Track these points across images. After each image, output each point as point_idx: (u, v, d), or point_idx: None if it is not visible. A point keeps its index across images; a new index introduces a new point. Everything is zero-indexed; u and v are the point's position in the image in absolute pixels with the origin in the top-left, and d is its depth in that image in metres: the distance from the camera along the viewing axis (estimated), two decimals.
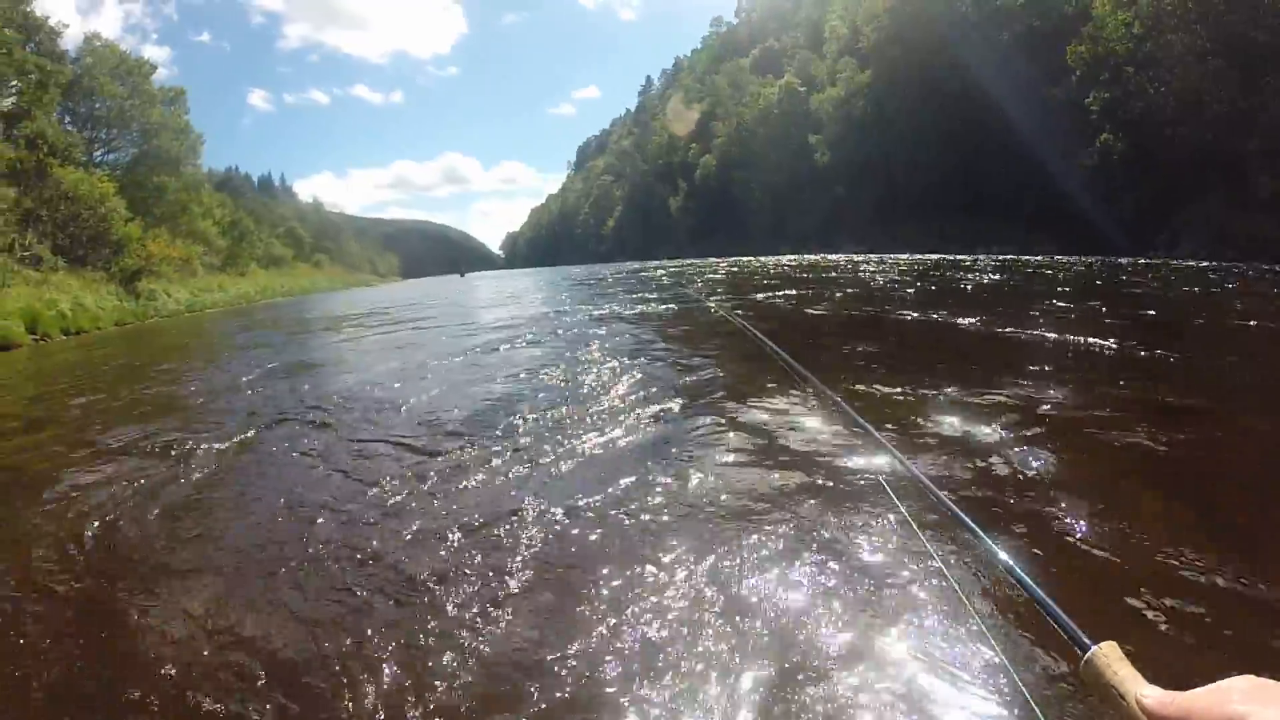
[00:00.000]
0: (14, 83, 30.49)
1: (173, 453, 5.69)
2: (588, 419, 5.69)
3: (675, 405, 5.81)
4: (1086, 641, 1.11)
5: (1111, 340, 7.78)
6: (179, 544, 3.77)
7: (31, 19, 33.57)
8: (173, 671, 2.69)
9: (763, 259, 51.19)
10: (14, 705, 2.55)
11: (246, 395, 8.52)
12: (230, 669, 2.69)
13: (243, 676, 2.63)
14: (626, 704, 2.21)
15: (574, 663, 2.44)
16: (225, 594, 3.18)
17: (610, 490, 3.95)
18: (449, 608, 2.89)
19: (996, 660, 2.12)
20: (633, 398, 6.29)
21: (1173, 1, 28.33)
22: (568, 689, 2.31)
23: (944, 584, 2.56)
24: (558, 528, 3.54)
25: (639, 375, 7.25)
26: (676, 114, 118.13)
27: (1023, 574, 1.36)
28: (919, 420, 4.85)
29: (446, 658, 2.55)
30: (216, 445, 5.83)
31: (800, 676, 2.22)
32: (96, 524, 4.13)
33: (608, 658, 2.44)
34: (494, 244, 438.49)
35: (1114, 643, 1.08)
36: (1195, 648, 2.20)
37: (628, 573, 2.99)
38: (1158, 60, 29.91)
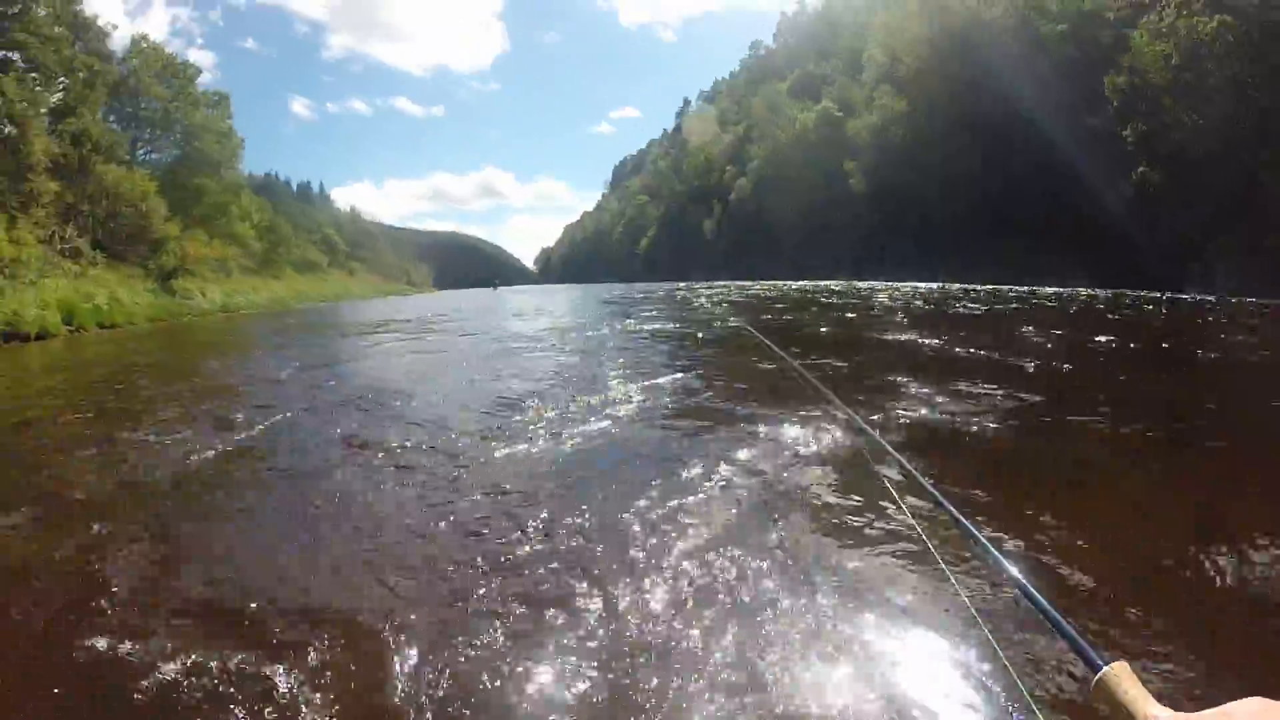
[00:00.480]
0: (62, 79, 31.14)
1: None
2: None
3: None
4: (1098, 661, 1.12)
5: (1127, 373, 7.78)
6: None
7: (81, 18, 34.34)
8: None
9: (792, 283, 51.16)
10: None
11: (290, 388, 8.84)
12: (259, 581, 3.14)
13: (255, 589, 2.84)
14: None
15: None
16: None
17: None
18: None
19: (1008, 678, 2.12)
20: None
21: (1209, 33, 28.06)
22: None
23: (956, 601, 2.56)
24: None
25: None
26: (695, 127, 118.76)
27: (1035, 592, 1.37)
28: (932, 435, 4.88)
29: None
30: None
31: (806, 690, 2.22)
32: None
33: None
34: (527, 259, 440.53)
35: (1125, 662, 1.09)
36: (1206, 669, 2.19)
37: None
38: (1195, 91, 29.61)
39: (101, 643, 2.61)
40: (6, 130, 25.74)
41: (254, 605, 2.89)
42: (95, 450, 5.63)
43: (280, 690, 2.32)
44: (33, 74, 28.15)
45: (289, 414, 6.88)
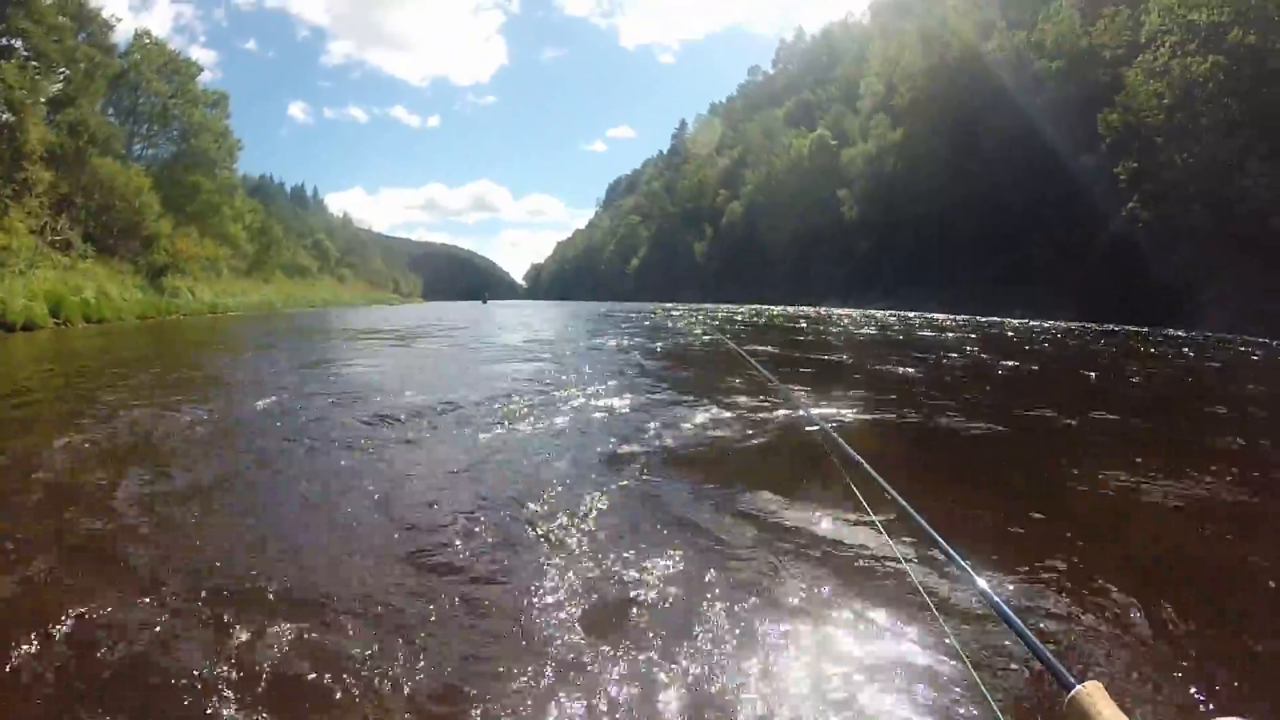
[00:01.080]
0: (63, 69, 31.04)
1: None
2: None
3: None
4: (1071, 680, 1.13)
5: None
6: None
7: (86, 10, 34.26)
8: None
9: (775, 308, 51.28)
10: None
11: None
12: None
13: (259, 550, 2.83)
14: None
15: None
16: None
17: None
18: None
19: (981, 697, 2.09)
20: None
21: (1203, 73, 28.44)
22: None
23: (927, 617, 2.53)
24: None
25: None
26: (700, 136, 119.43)
27: (1008, 610, 1.36)
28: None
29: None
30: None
31: (765, 706, 2.18)
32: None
33: None
34: (518, 274, 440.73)
35: (1098, 683, 1.10)
36: (1180, 688, 2.17)
37: None
38: (1188, 131, 29.98)
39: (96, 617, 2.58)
40: (4, 117, 25.62)
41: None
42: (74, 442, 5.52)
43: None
44: (34, 62, 28.06)
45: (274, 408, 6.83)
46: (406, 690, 2.21)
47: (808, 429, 4.14)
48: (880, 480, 2.40)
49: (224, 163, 50.57)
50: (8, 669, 2.30)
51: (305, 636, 2.54)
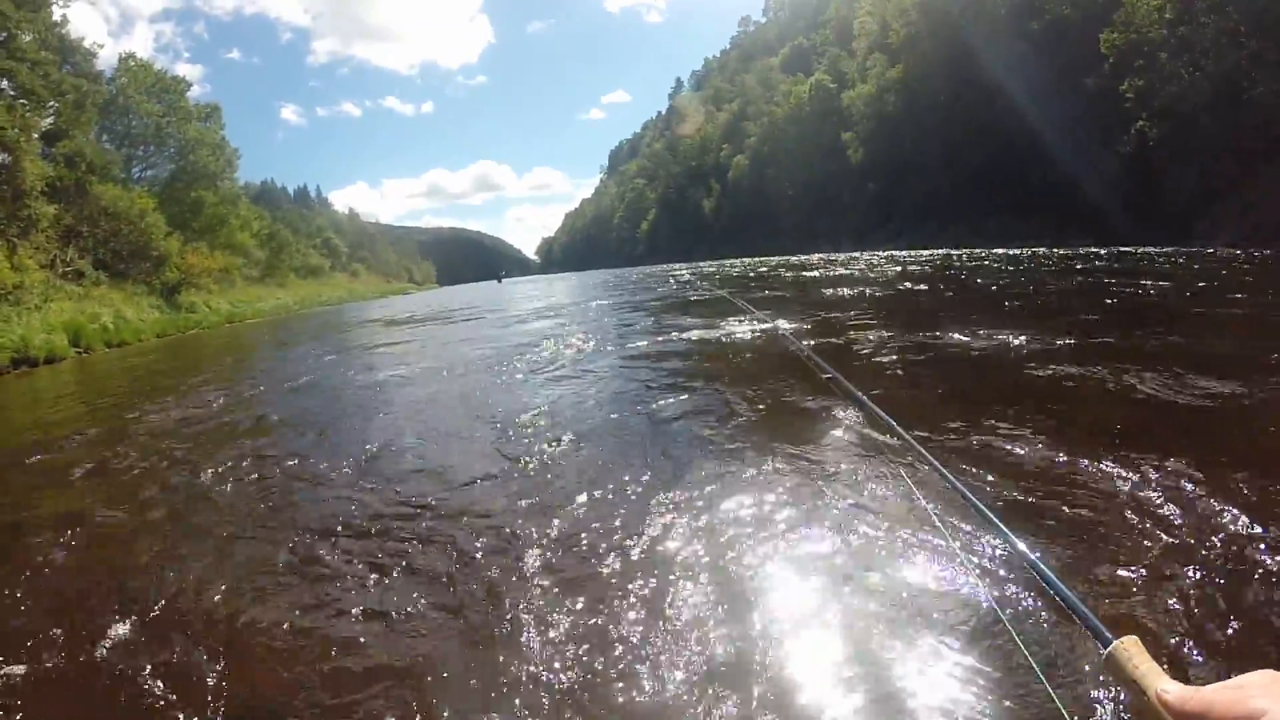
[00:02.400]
0: (51, 103, 31.07)
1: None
2: None
3: None
4: (1108, 636, 1.12)
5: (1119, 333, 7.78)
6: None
7: (67, 41, 34.20)
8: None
9: (798, 258, 51.02)
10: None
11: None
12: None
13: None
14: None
15: None
16: None
17: None
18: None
19: (1018, 653, 2.09)
20: None
21: None
22: None
23: (964, 575, 2.53)
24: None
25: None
26: (686, 114, 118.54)
27: (1045, 568, 1.35)
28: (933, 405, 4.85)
29: None
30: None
31: (815, 667, 2.20)
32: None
33: None
34: (529, 249, 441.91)
35: (1135, 637, 1.10)
36: (1217, 642, 2.15)
37: None
38: (1192, 45, 29.31)
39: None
40: (1, 158, 25.75)
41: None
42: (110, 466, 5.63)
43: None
44: (22, 100, 28.11)
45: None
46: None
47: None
48: (913, 441, 2.39)
49: (224, 174, 50.66)
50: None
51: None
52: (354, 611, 2.84)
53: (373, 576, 3.15)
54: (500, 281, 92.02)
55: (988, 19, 46.94)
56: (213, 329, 31.95)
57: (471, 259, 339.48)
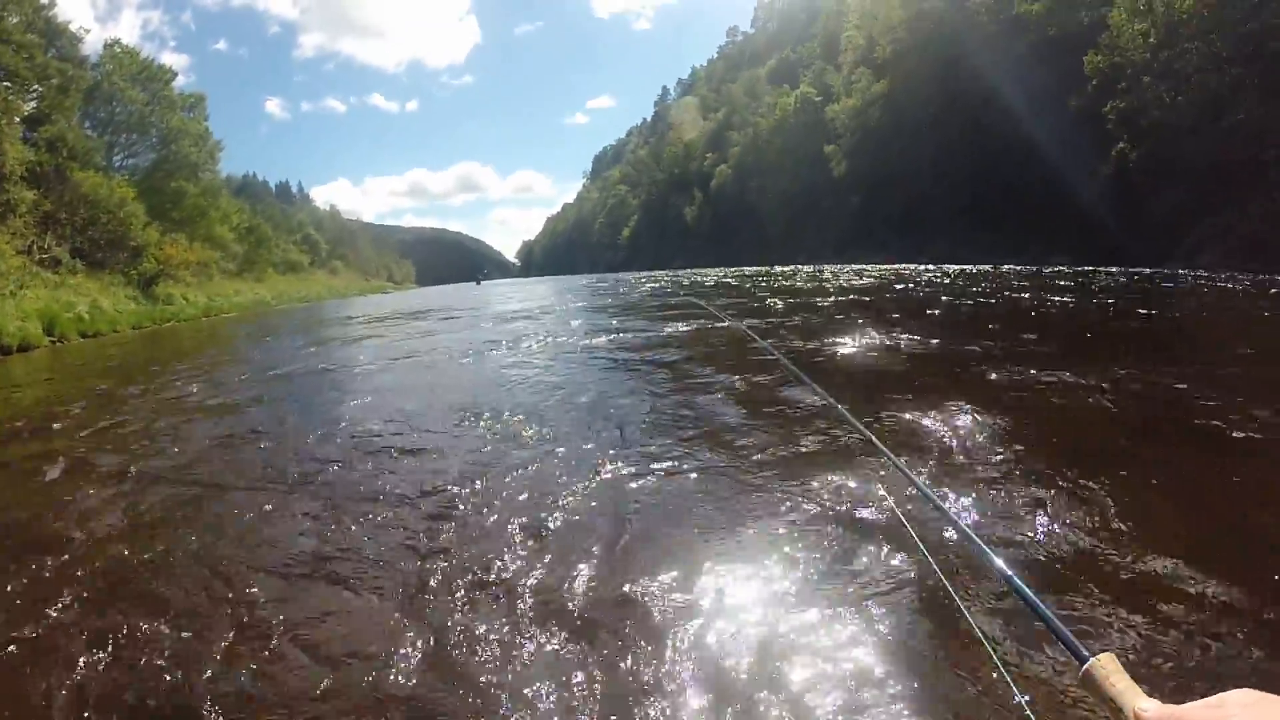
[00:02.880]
0: (35, 87, 30.73)
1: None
2: None
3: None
4: (1084, 653, 1.09)
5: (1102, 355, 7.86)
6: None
7: (53, 24, 33.85)
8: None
9: (780, 268, 51.49)
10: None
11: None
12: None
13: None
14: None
15: None
16: None
17: None
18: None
19: (995, 669, 2.09)
20: None
21: (1188, 10, 28.14)
22: None
23: (940, 590, 2.52)
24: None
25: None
26: (682, 119, 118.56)
27: (1022, 584, 1.34)
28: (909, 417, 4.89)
29: None
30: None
31: (790, 683, 2.18)
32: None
33: None
34: (510, 252, 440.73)
35: (1112, 654, 1.07)
36: (1194, 660, 2.16)
37: None
38: (1175, 70, 29.71)
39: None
40: None
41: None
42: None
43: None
44: (5, 82, 27.80)
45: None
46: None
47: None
48: (889, 452, 2.38)
49: (206, 165, 50.30)
50: None
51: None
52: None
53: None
54: (479, 284, 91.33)
55: (974, 38, 47.40)
56: (189, 322, 31.62)
57: (452, 260, 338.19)
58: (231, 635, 2.70)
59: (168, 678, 2.45)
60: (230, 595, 3.03)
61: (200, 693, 2.36)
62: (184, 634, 2.72)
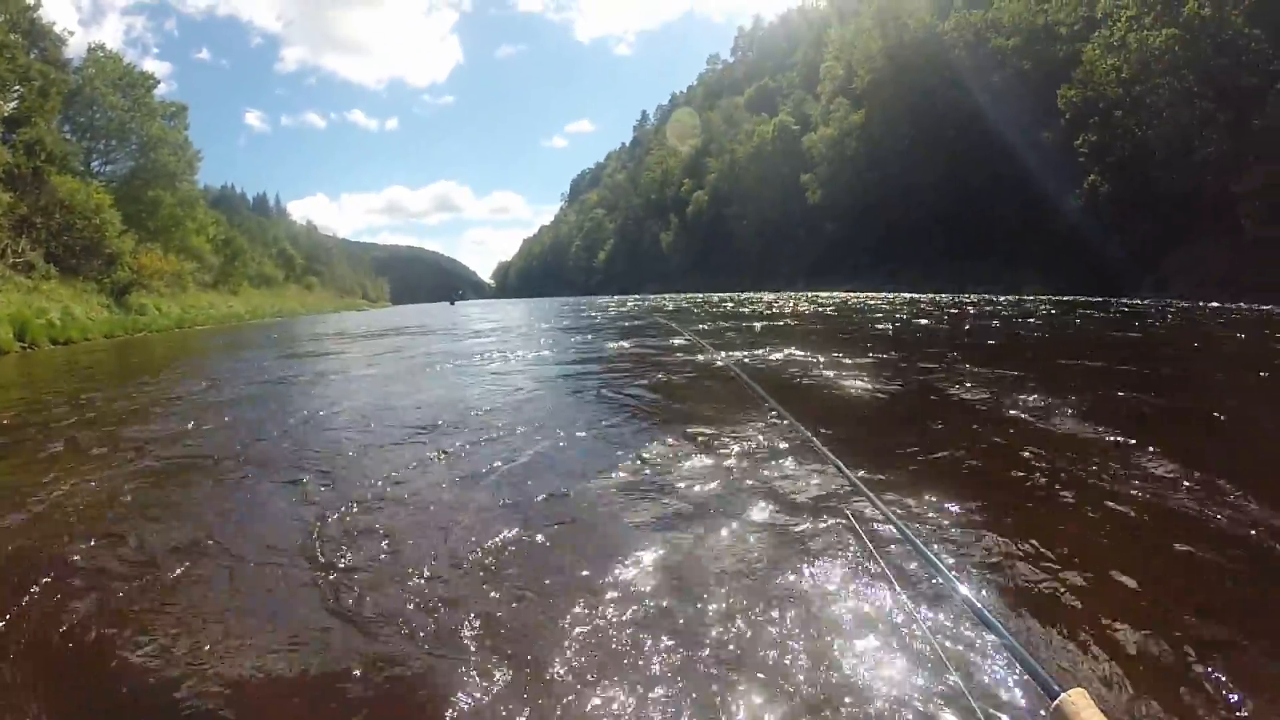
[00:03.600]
0: (16, 88, 30.38)
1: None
2: None
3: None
4: (1056, 688, 1.12)
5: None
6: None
7: (38, 25, 33.52)
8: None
9: (752, 294, 51.76)
10: None
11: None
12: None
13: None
14: None
15: None
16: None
17: None
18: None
19: (965, 704, 2.07)
20: None
21: (1161, 46, 28.77)
22: None
23: (908, 624, 2.47)
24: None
25: None
26: (679, 130, 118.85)
27: (992, 617, 1.36)
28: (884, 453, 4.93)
29: None
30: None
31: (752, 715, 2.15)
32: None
33: None
34: (485, 273, 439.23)
35: (1083, 690, 1.10)
36: (1163, 694, 2.16)
37: None
38: (1146, 104, 30.36)
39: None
40: None
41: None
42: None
43: None
44: None
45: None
46: None
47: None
48: (858, 483, 2.38)
49: (184, 175, 49.72)
50: None
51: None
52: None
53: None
54: (453, 303, 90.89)
55: (951, 69, 48.17)
56: (162, 333, 31.21)
57: (427, 279, 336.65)
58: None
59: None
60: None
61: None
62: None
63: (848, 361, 8.79)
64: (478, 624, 2.51)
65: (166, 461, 4.93)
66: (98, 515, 3.77)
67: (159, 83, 48.02)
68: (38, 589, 2.91)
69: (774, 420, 5.11)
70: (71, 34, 36.68)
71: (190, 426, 6.24)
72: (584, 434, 5.35)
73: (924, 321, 16.96)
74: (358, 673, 2.30)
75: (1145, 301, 25.51)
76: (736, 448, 4.56)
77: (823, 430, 4.85)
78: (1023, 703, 2.06)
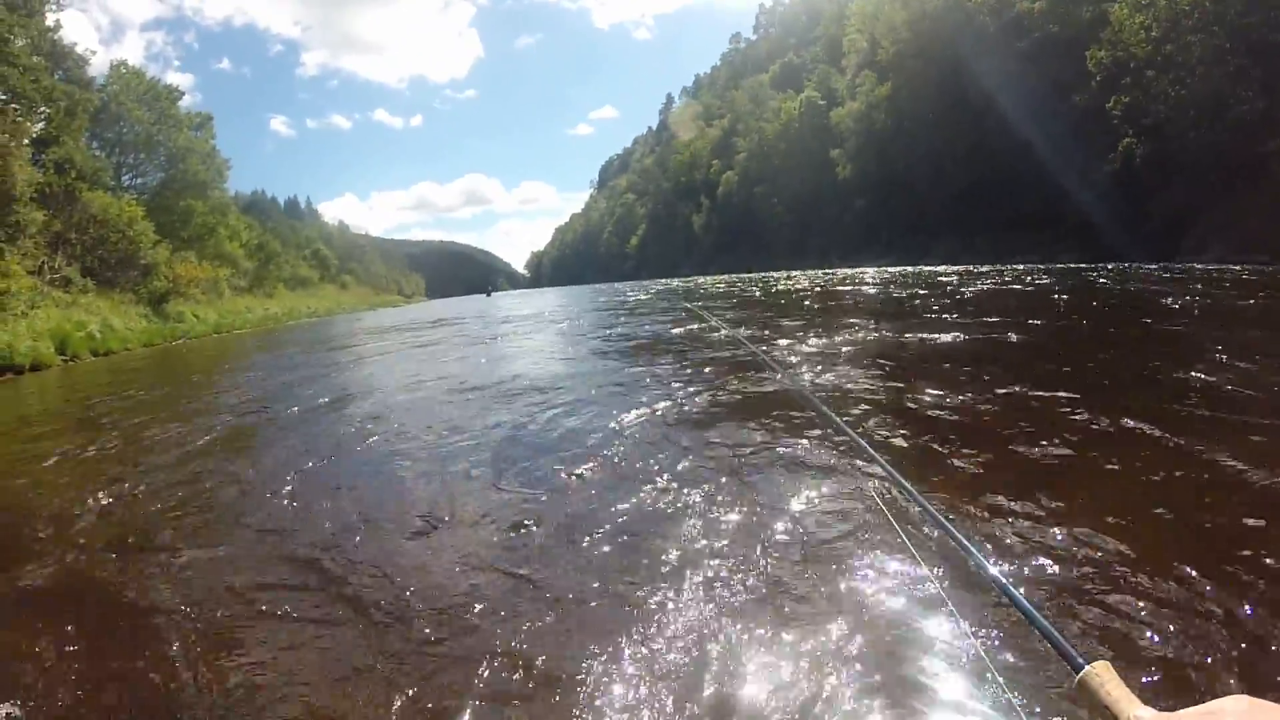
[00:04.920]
0: (43, 109, 30.94)
1: None
2: None
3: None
4: (1080, 661, 1.09)
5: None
6: None
7: (59, 47, 34.07)
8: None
9: (785, 273, 51.50)
10: None
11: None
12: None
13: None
14: None
15: None
16: None
17: None
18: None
19: (990, 677, 2.08)
20: None
21: (1190, 3, 28.05)
22: None
23: (935, 599, 2.50)
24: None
25: None
26: (682, 123, 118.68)
27: (1016, 593, 1.33)
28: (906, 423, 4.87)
29: None
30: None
31: (787, 691, 2.18)
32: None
33: None
34: (518, 263, 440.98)
35: (1107, 662, 1.06)
36: (1190, 666, 2.14)
37: None
38: (1178, 63, 29.62)
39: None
40: None
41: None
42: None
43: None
44: (13, 105, 27.96)
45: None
46: None
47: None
48: (882, 461, 2.38)
49: (214, 183, 50.37)
50: None
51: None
52: None
53: None
54: (489, 295, 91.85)
55: (976, 37, 47.34)
56: (200, 339, 31.71)
57: (461, 272, 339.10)
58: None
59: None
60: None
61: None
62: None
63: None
64: None
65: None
66: None
67: (183, 94, 48.62)
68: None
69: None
70: (94, 53, 37.29)
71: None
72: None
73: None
74: None
75: (1195, 265, 24.92)
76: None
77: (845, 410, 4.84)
78: (1047, 675, 2.07)
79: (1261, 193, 26.48)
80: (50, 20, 32.79)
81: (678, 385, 6.84)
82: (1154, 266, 25.79)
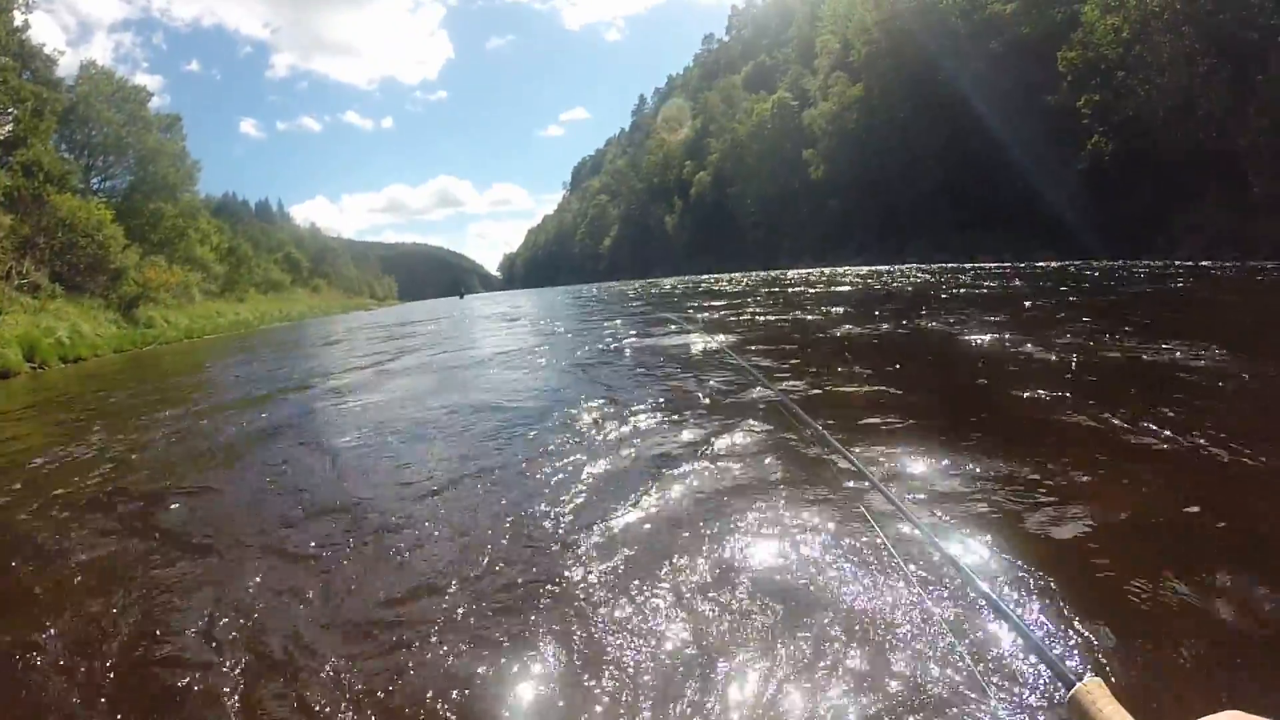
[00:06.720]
0: (10, 110, 30.48)
1: None
2: None
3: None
4: (1071, 678, 1.09)
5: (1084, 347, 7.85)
6: None
7: (27, 46, 33.56)
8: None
9: (759, 274, 51.68)
10: None
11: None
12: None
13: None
14: None
15: None
16: None
17: None
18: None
19: (980, 694, 2.05)
20: None
21: (1160, 3, 28.44)
22: None
23: (925, 614, 2.47)
24: None
25: None
26: (670, 121, 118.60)
27: (1007, 608, 1.32)
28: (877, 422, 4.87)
29: None
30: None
31: (771, 706, 2.14)
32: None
33: None
34: (491, 265, 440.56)
35: (1099, 679, 1.09)
36: (1182, 681, 2.13)
37: None
38: (1147, 63, 30.03)
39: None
40: None
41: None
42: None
43: None
44: None
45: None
46: None
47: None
48: (872, 477, 2.35)
49: (184, 186, 49.81)
50: None
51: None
52: None
53: None
54: (462, 297, 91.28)
55: (948, 37, 47.74)
56: (171, 344, 31.33)
57: (434, 274, 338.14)
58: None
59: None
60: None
61: None
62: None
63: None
64: None
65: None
66: None
67: (152, 96, 48.04)
68: None
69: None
70: (62, 53, 36.70)
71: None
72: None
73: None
74: None
75: (1162, 263, 25.24)
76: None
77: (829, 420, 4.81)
78: (1039, 692, 2.05)
79: (1231, 191, 26.89)
80: (18, 20, 32.28)
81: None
82: (1118, 263, 26.19)
